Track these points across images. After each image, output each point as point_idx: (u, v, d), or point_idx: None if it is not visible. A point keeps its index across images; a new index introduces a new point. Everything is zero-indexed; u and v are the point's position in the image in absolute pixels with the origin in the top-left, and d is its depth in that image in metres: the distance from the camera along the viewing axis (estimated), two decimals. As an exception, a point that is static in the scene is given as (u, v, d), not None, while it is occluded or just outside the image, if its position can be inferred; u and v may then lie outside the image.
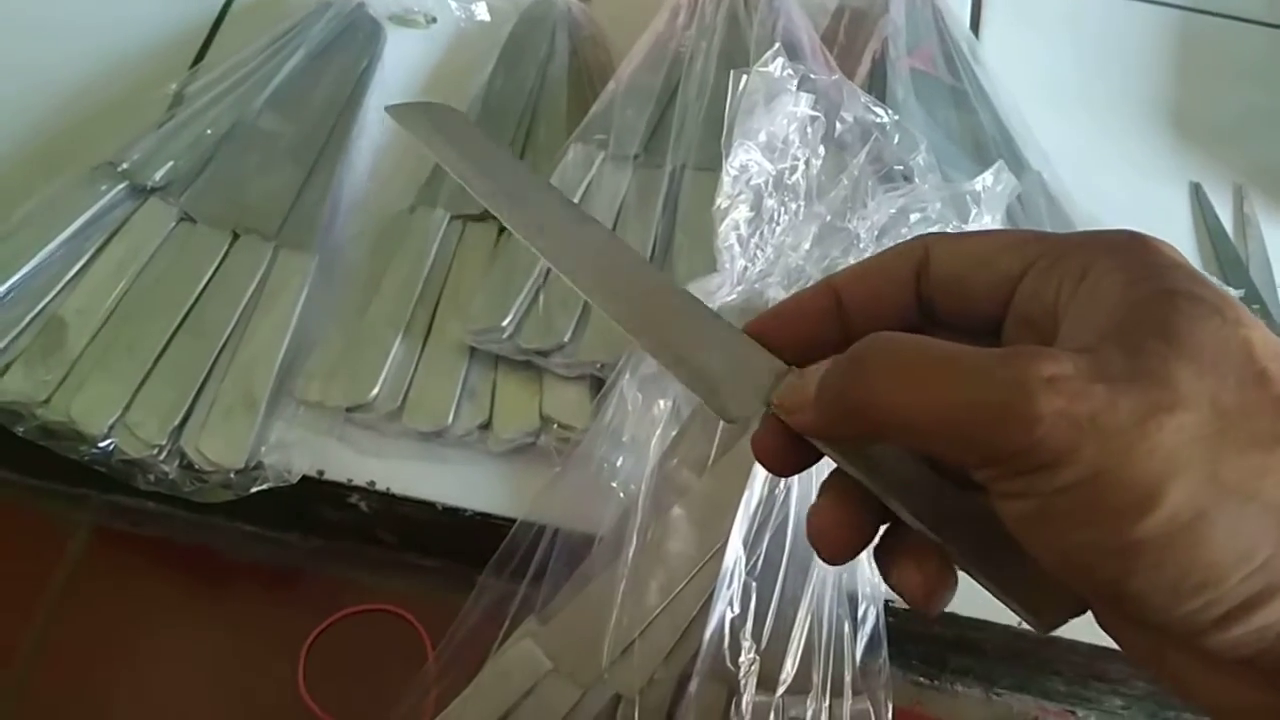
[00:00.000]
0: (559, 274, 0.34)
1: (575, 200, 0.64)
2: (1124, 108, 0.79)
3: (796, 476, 0.54)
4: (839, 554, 0.31)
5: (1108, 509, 0.23)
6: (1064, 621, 0.30)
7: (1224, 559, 0.23)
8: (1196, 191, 0.75)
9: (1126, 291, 0.26)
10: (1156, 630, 0.25)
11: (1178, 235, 0.72)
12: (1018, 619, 0.56)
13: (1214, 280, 0.26)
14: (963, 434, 0.25)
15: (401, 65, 0.75)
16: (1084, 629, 0.29)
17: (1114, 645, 0.55)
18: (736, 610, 0.52)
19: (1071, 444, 0.23)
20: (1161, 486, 0.23)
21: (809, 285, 0.33)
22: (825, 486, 0.32)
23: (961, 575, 0.32)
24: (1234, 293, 0.66)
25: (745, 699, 0.52)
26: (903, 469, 0.30)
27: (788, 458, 0.32)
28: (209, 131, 0.67)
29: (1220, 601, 0.23)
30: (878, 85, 0.69)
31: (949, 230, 0.49)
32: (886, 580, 0.32)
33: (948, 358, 0.26)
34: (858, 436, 0.29)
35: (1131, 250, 0.27)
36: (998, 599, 0.30)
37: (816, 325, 0.32)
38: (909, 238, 0.32)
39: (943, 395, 0.25)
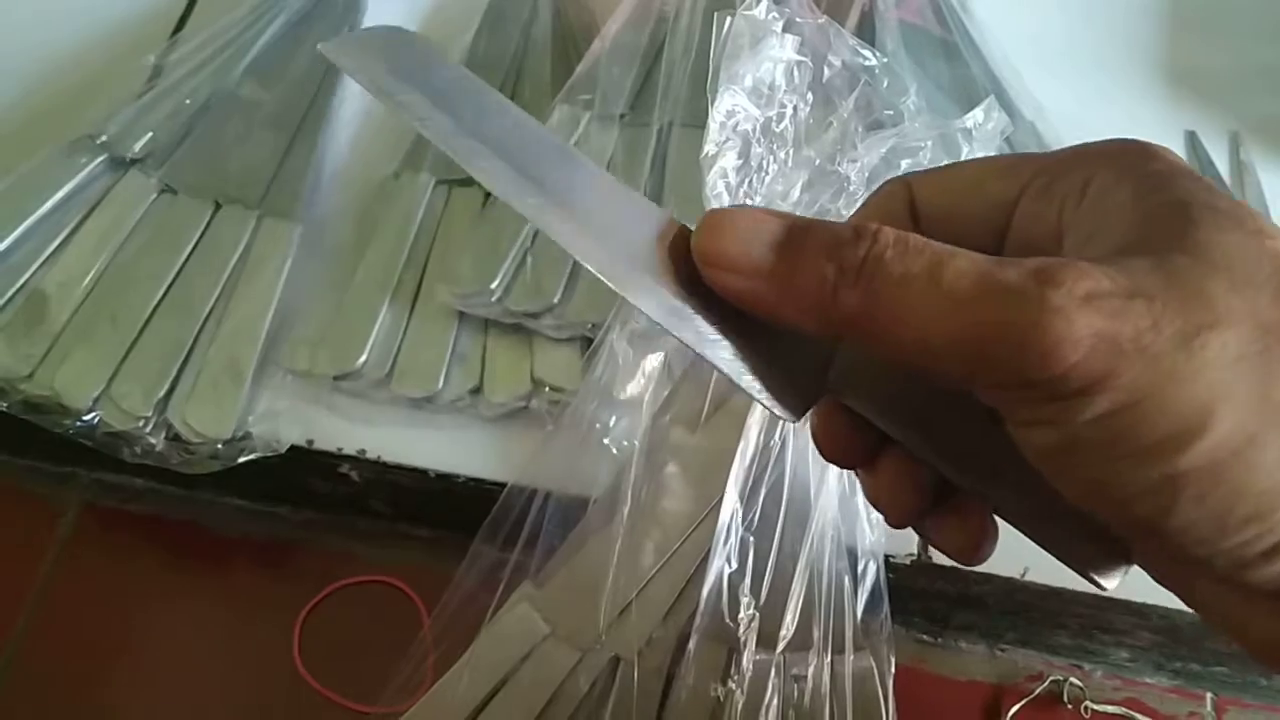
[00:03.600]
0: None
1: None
2: (1116, 57, 0.79)
3: (792, 429, 0.53)
4: (916, 519, 0.30)
5: (1149, 438, 0.22)
6: (1122, 574, 0.29)
7: (1273, 490, 0.21)
8: (1192, 140, 0.74)
9: (1138, 203, 0.24)
10: (1195, 564, 0.23)
11: (1174, 185, 0.71)
12: (1020, 572, 0.56)
13: (1221, 188, 0.25)
14: (984, 355, 0.23)
15: (383, 32, 0.74)
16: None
17: (1120, 596, 0.54)
18: (734, 565, 0.51)
19: (1111, 369, 0.21)
20: (1209, 411, 0.21)
21: None
22: (877, 461, 0.30)
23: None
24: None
25: (745, 656, 0.51)
26: (942, 427, 0.28)
27: (851, 445, 0.29)
28: (188, 102, 0.66)
29: (1270, 533, 0.22)
30: (866, 37, 0.68)
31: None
32: (927, 538, 0.31)
33: (972, 270, 0.23)
34: (832, 336, 0.26)
35: (1132, 159, 0.25)
36: (1054, 557, 0.29)
37: None
38: (887, 179, 0.31)
39: (966, 313, 0.23)
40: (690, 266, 0.27)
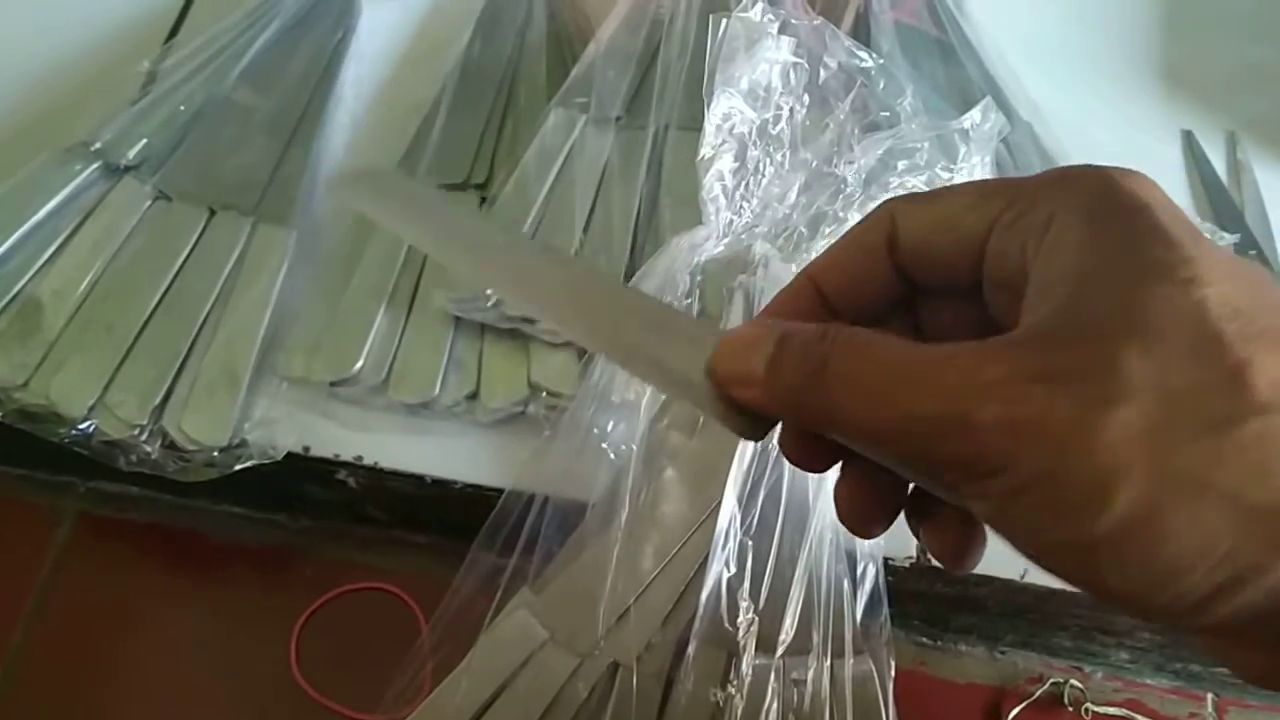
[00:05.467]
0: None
1: (556, 166, 0.63)
2: (1113, 58, 0.78)
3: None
4: (870, 530, 0.31)
5: (1060, 511, 0.23)
6: None
7: (1184, 553, 0.22)
8: (1189, 139, 0.74)
9: (1083, 254, 0.25)
10: (1141, 616, 0.24)
11: (1171, 184, 0.70)
12: (1020, 574, 0.56)
13: (1182, 224, 0.25)
14: (916, 445, 0.25)
15: (377, 36, 0.73)
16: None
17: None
18: (733, 570, 0.51)
19: (1011, 450, 0.23)
20: (1109, 486, 0.22)
21: (789, 284, 0.32)
22: (843, 469, 0.31)
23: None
24: (1227, 239, 0.65)
25: (745, 661, 0.51)
26: None
27: (814, 454, 0.30)
28: (182, 108, 0.66)
29: (1190, 593, 0.22)
30: (862, 39, 0.68)
31: (938, 172, 0.48)
32: (919, 539, 0.31)
33: (899, 368, 0.25)
34: (820, 430, 0.28)
35: (1094, 194, 0.26)
36: None
37: (805, 320, 0.30)
38: (890, 194, 0.31)
39: (895, 408, 0.25)
40: None
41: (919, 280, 0.30)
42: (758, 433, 0.30)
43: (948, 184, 0.38)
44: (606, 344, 0.32)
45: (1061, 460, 0.22)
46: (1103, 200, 0.26)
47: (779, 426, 0.31)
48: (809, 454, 0.30)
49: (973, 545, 0.30)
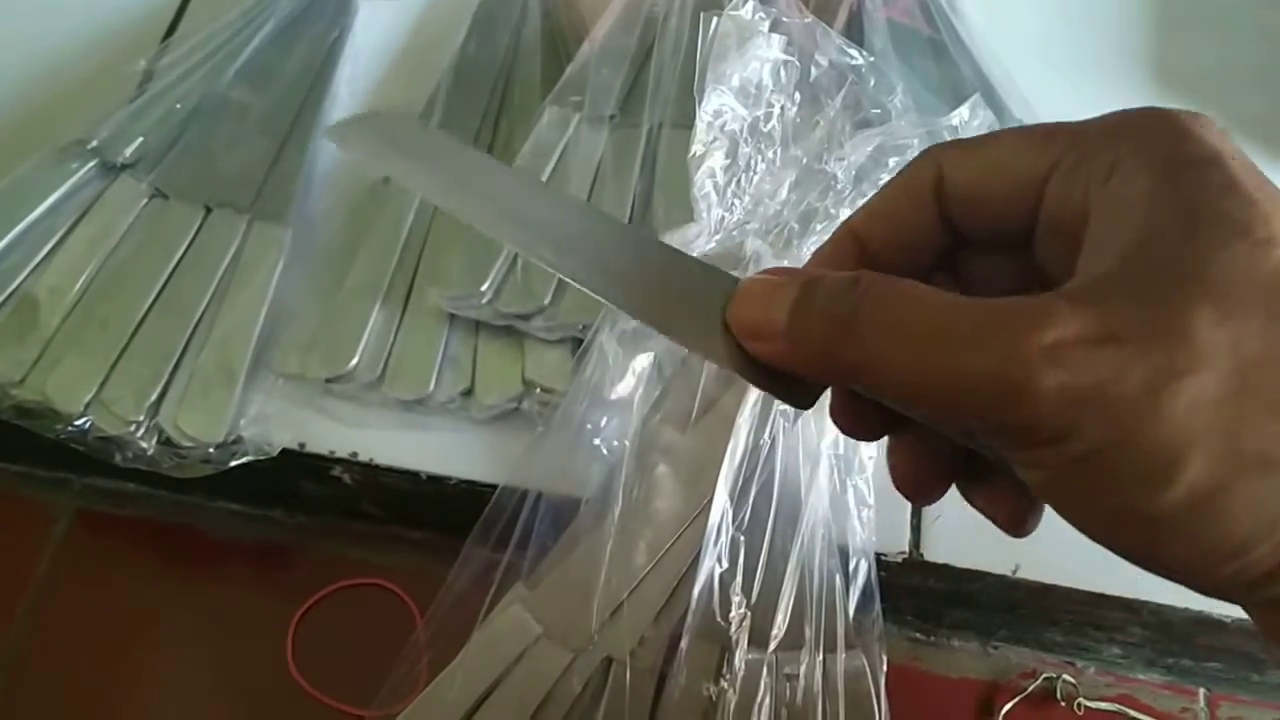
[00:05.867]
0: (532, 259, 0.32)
1: (551, 164, 0.63)
2: (1106, 56, 0.79)
3: (781, 430, 0.53)
4: (928, 497, 0.30)
5: (1123, 482, 0.22)
6: None
7: (1248, 530, 0.22)
8: (1182, 138, 0.74)
9: (1149, 206, 0.23)
10: (1200, 589, 0.24)
11: (1164, 182, 0.71)
12: (1013, 569, 0.56)
13: (1256, 177, 0.24)
14: (964, 405, 0.23)
15: (372, 34, 0.74)
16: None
17: (1111, 592, 0.54)
18: (725, 565, 0.52)
19: (1076, 418, 0.22)
20: (1177, 460, 0.21)
21: (829, 237, 0.31)
22: (892, 434, 0.30)
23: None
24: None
25: (738, 656, 0.51)
26: None
27: (862, 421, 0.29)
28: (179, 106, 0.66)
29: (1251, 567, 0.22)
30: (855, 37, 0.68)
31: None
32: (972, 504, 0.30)
33: (945, 321, 0.24)
34: (845, 385, 0.27)
35: (1162, 139, 0.24)
36: None
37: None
38: (916, 154, 0.30)
39: (940, 363, 0.23)
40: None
41: (965, 228, 0.29)
42: (795, 396, 0.29)
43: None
44: (622, 299, 0.30)
45: (1129, 431, 0.21)
46: (1171, 148, 0.24)
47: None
48: (857, 420, 0.29)
49: (1035, 509, 0.29)
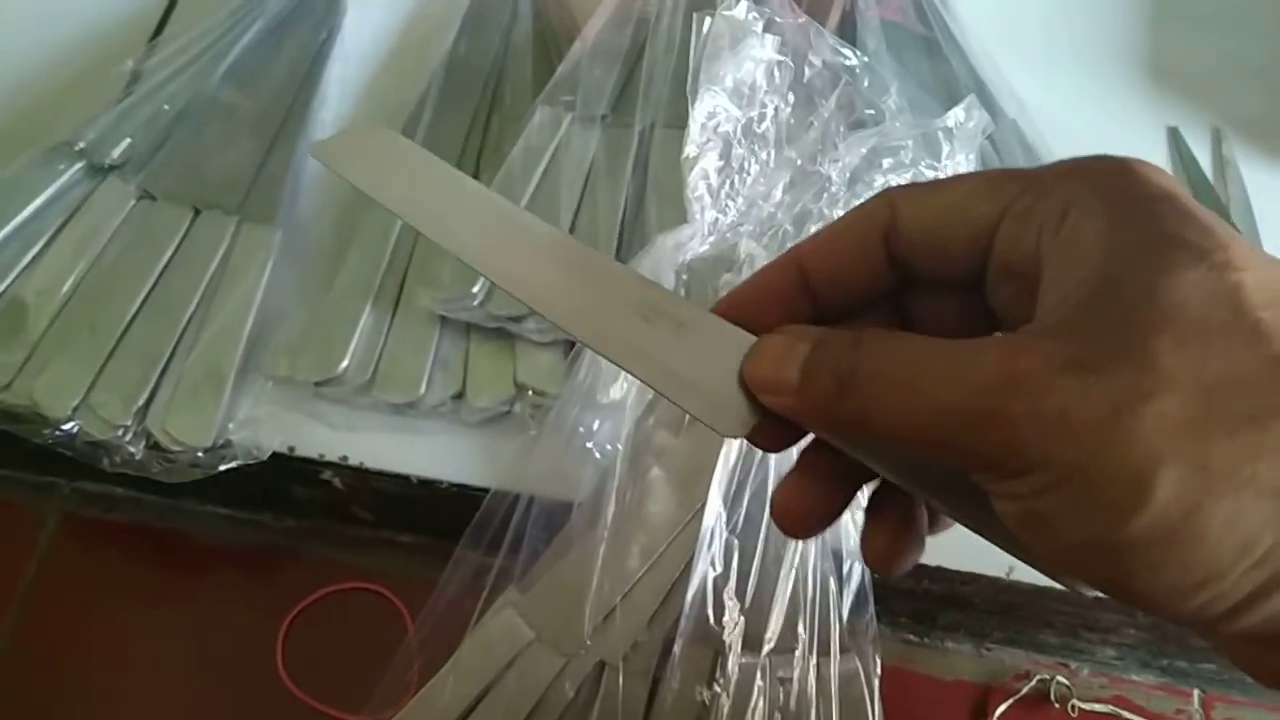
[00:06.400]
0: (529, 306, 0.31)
1: (542, 165, 0.63)
2: (1099, 54, 0.78)
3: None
4: (803, 531, 0.31)
5: (1093, 509, 0.22)
6: None
7: (1223, 554, 0.21)
8: (1174, 136, 0.74)
9: (1106, 242, 0.24)
10: (1170, 620, 0.23)
11: (1157, 181, 0.70)
12: (1006, 571, 0.56)
13: (1204, 212, 0.24)
14: (945, 442, 0.24)
15: (362, 35, 0.73)
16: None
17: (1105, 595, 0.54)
18: (719, 569, 0.51)
19: (1044, 447, 0.22)
20: (1146, 484, 0.21)
21: (770, 261, 0.31)
22: (800, 462, 0.30)
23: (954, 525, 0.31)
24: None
25: (731, 660, 0.51)
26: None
27: (778, 433, 0.30)
28: (166, 107, 0.66)
29: (1225, 596, 0.22)
30: (848, 36, 0.68)
31: (923, 170, 0.48)
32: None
33: (925, 364, 0.25)
34: (846, 438, 0.28)
35: (1113, 183, 0.25)
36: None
37: (783, 304, 0.30)
38: (874, 192, 0.31)
39: (921, 403, 0.24)
40: None
41: (917, 269, 0.29)
42: (766, 439, 0.30)
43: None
44: (615, 351, 0.30)
45: (1095, 456, 0.21)
46: (1123, 188, 0.25)
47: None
48: (783, 437, 0.30)
49: (908, 550, 0.30)
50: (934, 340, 0.25)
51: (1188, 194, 0.25)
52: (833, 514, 0.30)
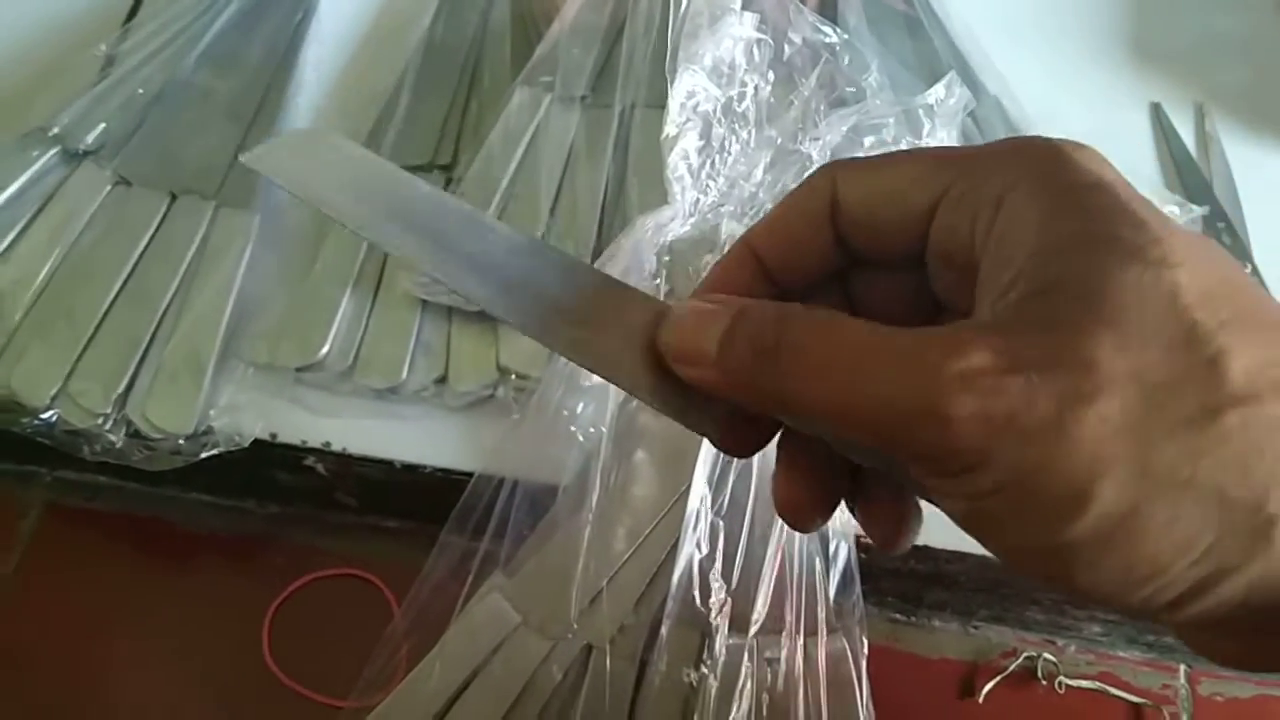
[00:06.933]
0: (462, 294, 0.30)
1: (522, 146, 0.62)
2: (1081, 30, 0.78)
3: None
4: (805, 523, 0.30)
5: (1036, 512, 0.22)
6: None
7: (1162, 553, 0.22)
8: (1157, 111, 0.74)
9: (1044, 231, 0.24)
10: (1116, 612, 0.24)
11: (1141, 156, 0.70)
12: (992, 548, 0.55)
13: (1141, 201, 0.24)
14: (882, 433, 0.23)
15: (338, 17, 0.72)
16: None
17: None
18: (704, 550, 0.51)
19: (989, 447, 0.22)
20: (1088, 487, 0.21)
21: (729, 250, 0.31)
22: (780, 455, 0.30)
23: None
24: (1196, 211, 0.65)
25: (718, 641, 0.51)
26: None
27: (746, 437, 0.29)
28: (141, 91, 0.65)
29: (1167, 589, 0.22)
30: (829, 14, 0.67)
31: (903, 147, 0.47)
32: (855, 518, 0.31)
33: (864, 352, 0.24)
34: (772, 414, 0.27)
35: (1047, 170, 0.25)
36: None
37: (746, 292, 0.30)
38: (813, 171, 0.30)
39: (858, 393, 0.24)
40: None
41: (858, 249, 0.29)
42: (702, 426, 0.29)
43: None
44: (535, 325, 0.29)
45: (1039, 459, 0.22)
46: (1058, 176, 0.25)
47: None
48: (742, 437, 0.29)
49: (907, 530, 0.29)
50: (868, 324, 0.25)
51: (1122, 179, 0.25)
52: (829, 503, 0.30)
